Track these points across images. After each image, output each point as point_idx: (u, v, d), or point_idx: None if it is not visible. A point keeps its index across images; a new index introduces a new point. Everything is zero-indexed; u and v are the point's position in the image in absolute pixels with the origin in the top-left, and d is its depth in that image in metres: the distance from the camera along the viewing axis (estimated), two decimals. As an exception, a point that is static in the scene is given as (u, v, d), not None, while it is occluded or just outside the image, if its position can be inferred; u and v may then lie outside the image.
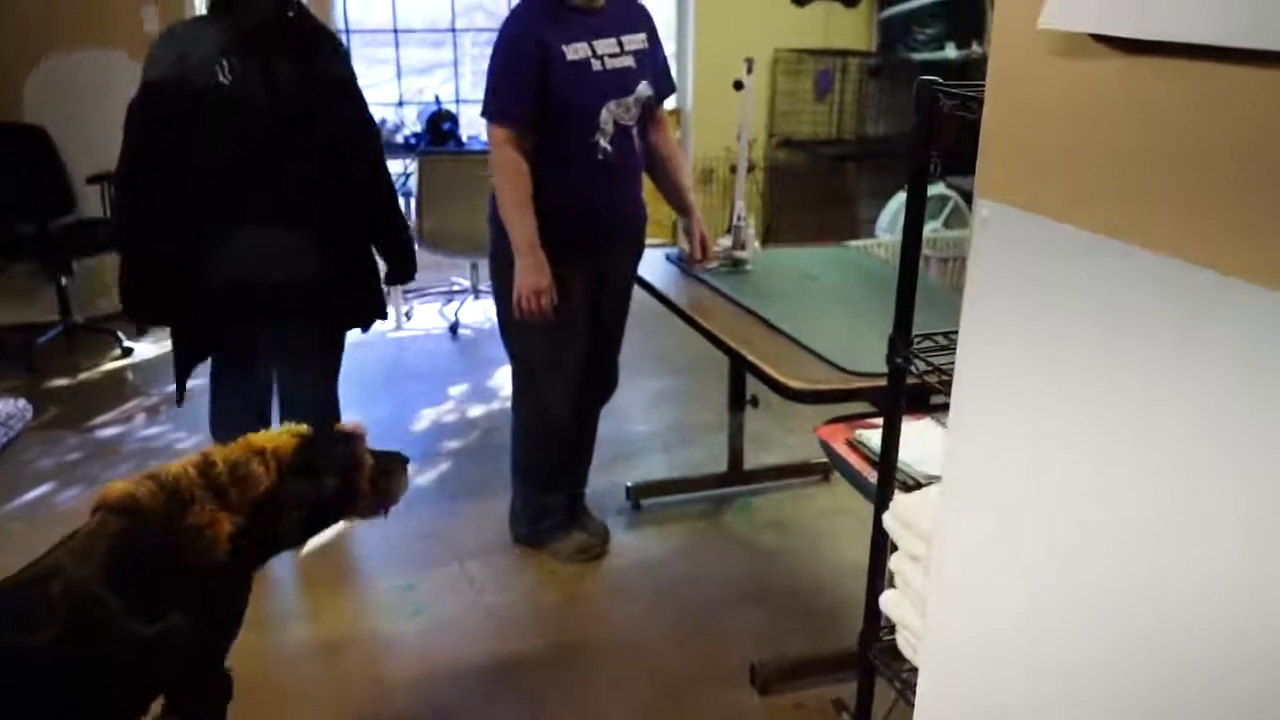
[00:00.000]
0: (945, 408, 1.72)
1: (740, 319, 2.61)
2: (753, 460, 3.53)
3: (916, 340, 1.49)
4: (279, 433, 1.94)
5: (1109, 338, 0.88)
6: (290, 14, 2.74)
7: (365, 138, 2.87)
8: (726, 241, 3.14)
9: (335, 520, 2.04)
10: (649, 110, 2.81)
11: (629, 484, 3.40)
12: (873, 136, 6.45)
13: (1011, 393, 1.03)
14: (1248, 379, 0.75)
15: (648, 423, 4.05)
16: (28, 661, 1.54)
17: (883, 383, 2.12)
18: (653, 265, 3.08)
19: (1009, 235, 0.98)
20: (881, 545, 1.56)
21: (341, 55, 2.88)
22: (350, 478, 1.94)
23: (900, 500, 1.47)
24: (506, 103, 2.63)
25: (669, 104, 6.18)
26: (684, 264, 3.11)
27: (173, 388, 3.18)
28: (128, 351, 4.74)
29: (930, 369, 1.38)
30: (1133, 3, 0.77)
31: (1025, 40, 0.88)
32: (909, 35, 5.90)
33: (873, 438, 1.99)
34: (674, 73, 6.18)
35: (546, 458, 3.00)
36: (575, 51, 2.60)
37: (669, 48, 6.20)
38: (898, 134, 6.38)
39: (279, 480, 1.82)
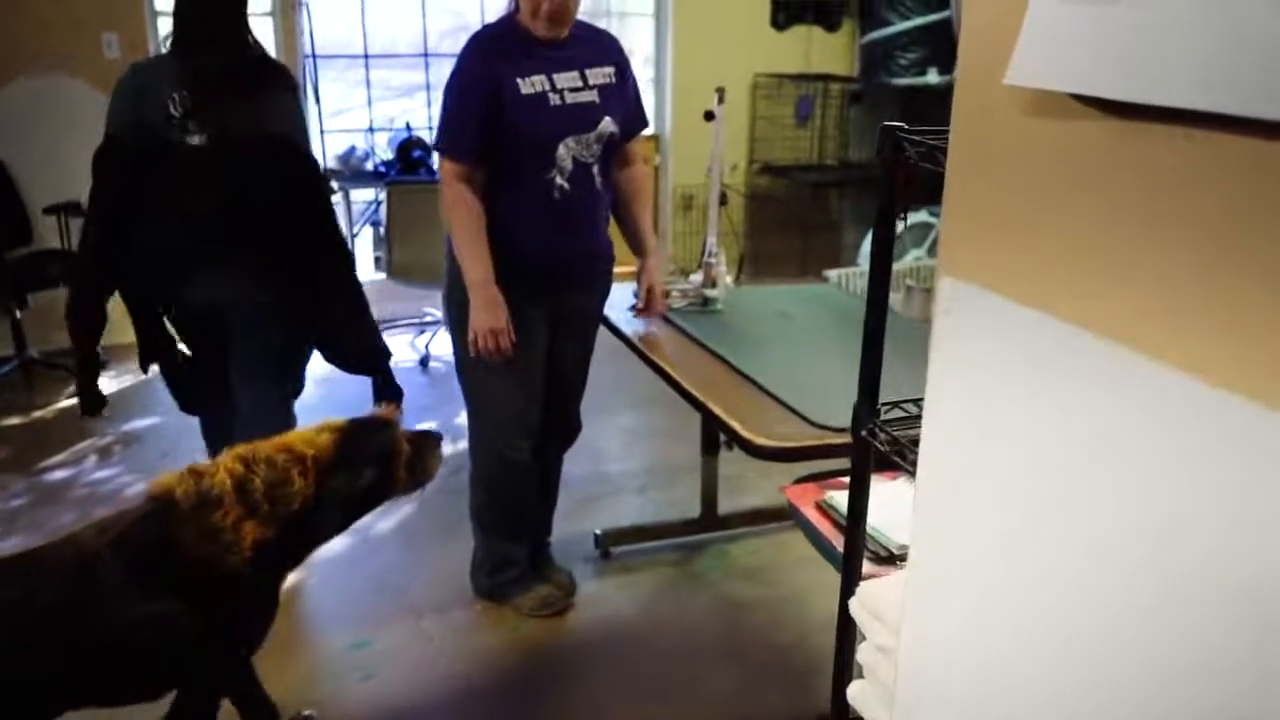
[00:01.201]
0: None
1: (708, 364, 2.47)
2: (728, 504, 3.38)
3: (885, 408, 1.36)
4: (319, 430, 1.94)
5: (1084, 436, 0.75)
6: (246, 50, 2.73)
7: (309, 190, 2.76)
8: (698, 278, 3.01)
9: (373, 508, 2.05)
10: (616, 146, 2.69)
11: (598, 531, 3.25)
12: (855, 162, 6.34)
13: (978, 481, 0.90)
14: (1222, 489, 0.63)
15: (620, 462, 3.91)
16: (21, 619, 1.65)
17: (856, 438, 2.01)
18: (618, 306, 2.94)
19: (974, 319, 0.84)
20: (848, 634, 1.41)
21: (293, 99, 2.80)
22: (388, 467, 1.96)
23: (868, 589, 1.32)
24: (456, 136, 2.51)
25: (648, 129, 6.10)
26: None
27: (129, 426, 3.36)
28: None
29: (897, 444, 1.24)
30: (1118, 58, 0.64)
31: (990, 96, 0.75)
32: (891, 60, 5.80)
33: (844, 501, 1.85)
34: (651, 98, 6.16)
35: (506, 507, 2.85)
36: (531, 84, 2.47)
37: (646, 73, 6.11)
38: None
39: (317, 487, 1.85)
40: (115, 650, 1.74)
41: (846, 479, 1.98)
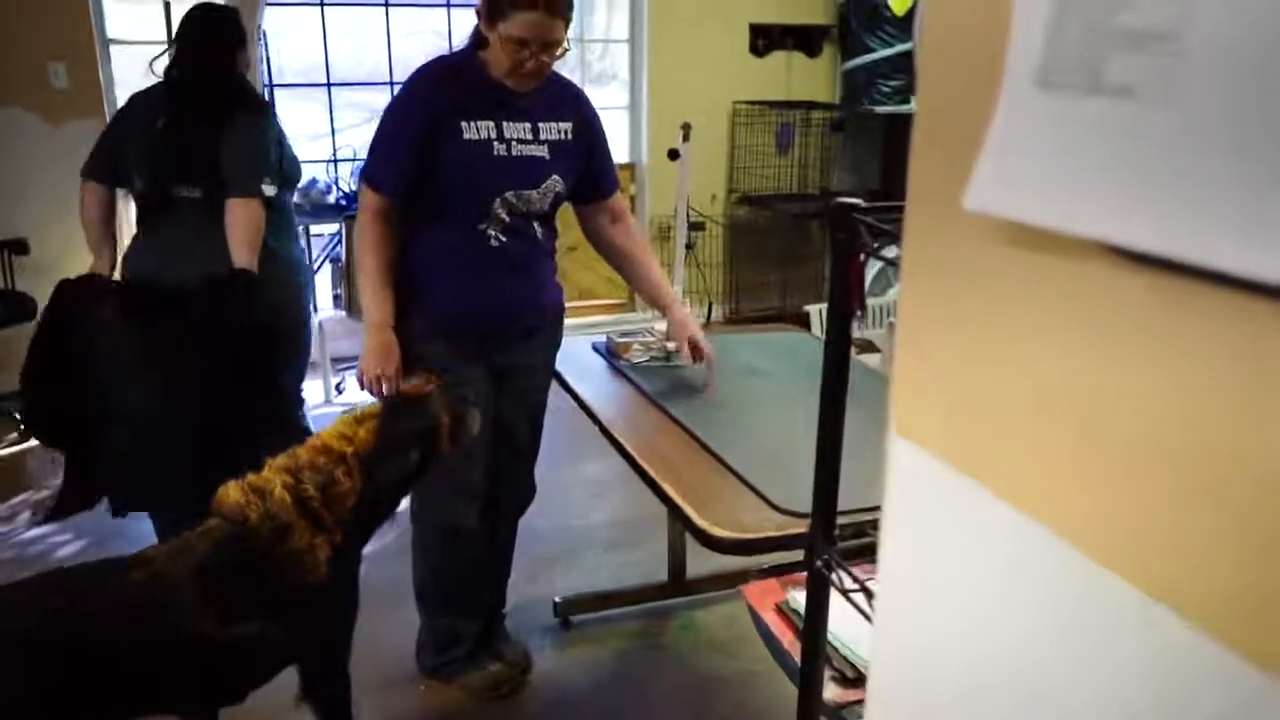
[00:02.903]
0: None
1: (666, 432, 2.26)
2: (698, 565, 3.16)
3: (844, 528, 1.15)
4: (357, 418, 1.93)
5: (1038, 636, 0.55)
6: (221, 83, 2.89)
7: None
8: (662, 327, 2.80)
9: (422, 477, 2.07)
10: (593, 204, 2.53)
11: (557, 599, 3.02)
12: (837, 192, 6.16)
13: (932, 644, 0.69)
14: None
15: (584, 516, 3.69)
16: (61, 629, 1.59)
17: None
18: (575, 358, 2.73)
19: (926, 488, 0.64)
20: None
21: (254, 127, 2.88)
22: (431, 442, 1.98)
23: None
24: (381, 167, 2.33)
25: (622, 156, 5.91)
26: (612, 356, 2.76)
27: None
28: (26, 434, 4.34)
29: (861, 584, 1.03)
30: (1133, 179, 0.44)
31: (948, 221, 0.55)
32: (873, 87, 5.62)
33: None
34: (627, 126, 5.97)
35: (452, 580, 2.62)
36: (475, 129, 2.27)
37: (621, 99, 5.92)
38: (863, 189, 6.10)
39: (365, 480, 1.86)
40: (194, 671, 1.75)
41: (813, 573, 1.77)
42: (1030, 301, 0.53)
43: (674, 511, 1.91)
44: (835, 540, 1.10)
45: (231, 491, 1.81)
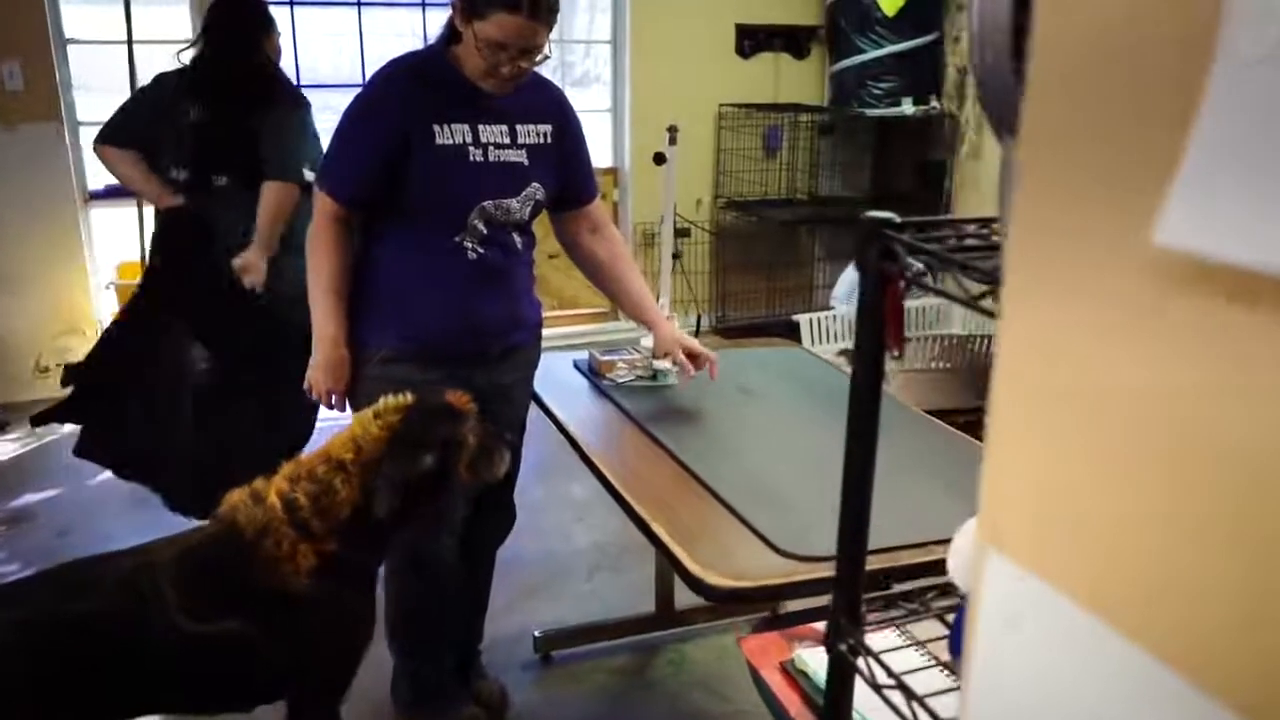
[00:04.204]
0: (915, 613, 1.20)
1: (655, 461, 2.08)
2: (686, 595, 2.96)
3: (873, 602, 0.97)
4: (379, 411, 1.84)
5: None
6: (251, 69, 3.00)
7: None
8: (648, 342, 2.61)
9: (431, 502, 1.92)
10: (571, 213, 2.34)
11: (537, 633, 2.83)
12: (826, 196, 6.01)
13: None
14: None
15: (568, 541, 3.50)
16: (59, 629, 1.61)
17: (833, 571, 1.61)
18: (555, 377, 2.55)
19: (1035, 618, 0.46)
20: None
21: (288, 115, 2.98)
22: (449, 458, 1.86)
23: None
24: (337, 173, 2.14)
25: (604, 160, 5.72)
26: (595, 375, 2.58)
27: (21, 502, 3.33)
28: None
29: (894, 681, 0.85)
30: None
31: (1094, 264, 0.37)
32: (863, 89, 5.47)
33: (817, 663, 1.46)
34: (609, 130, 5.79)
35: (426, 618, 2.43)
36: (450, 134, 2.08)
37: (603, 102, 5.74)
38: (852, 194, 5.94)
39: (364, 483, 1.78)
40: (173, 665, 1.72)
41: (821, 625, 1.59)
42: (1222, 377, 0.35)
43: (664, 553, 1.73)
44: (862, 622, 0.92)
45: (233, 495, 1.82)
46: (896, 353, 0.80)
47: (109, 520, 3.60)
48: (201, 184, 2.99)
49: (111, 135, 3.06)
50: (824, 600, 1.66)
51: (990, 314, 0.58)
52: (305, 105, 3.09)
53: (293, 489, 1.79)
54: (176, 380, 3.02)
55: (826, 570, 1.62)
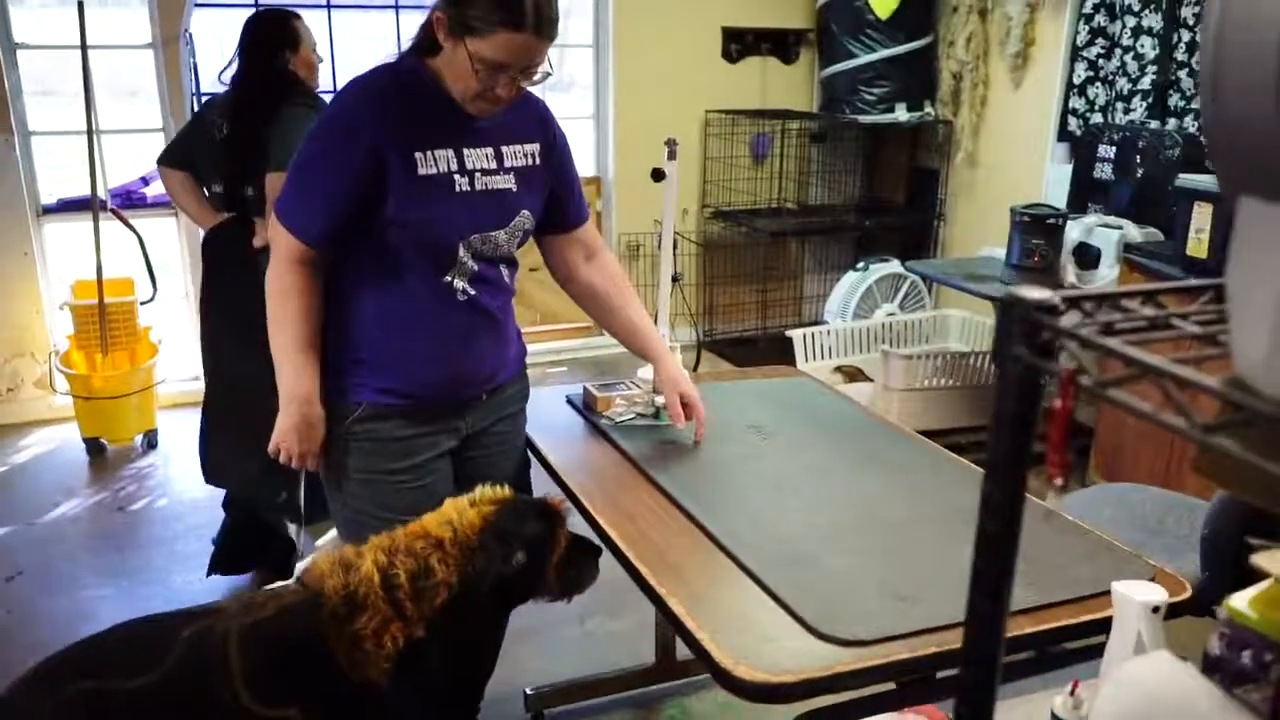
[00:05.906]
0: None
1: (662, 515, 1.86)
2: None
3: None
4: (473, 501, 1.74)
5: None
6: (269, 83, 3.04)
7: None
8: (646, 374, 2.40)
9: (520, 602, 1.81)
10: (562, 237, 2.12)
11: (528, 690, 2.61)
12: (816, 205, 5.81)
13: None
14: None
15: (558, 581, 3.27)
16: (123, 700, 1.52)
17: (883, 659, 1.40)
18: (546, 414, 2.33)
19: None
20: None
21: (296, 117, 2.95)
22: (540, 558, 1.74)
23: None
24: (299, 208, 1.85)
25: (588, 168, 5.49)
26: (590, 411, 2.36)
27: None
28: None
29: None
30: None
31: None
32: (855, 95, 5.27)
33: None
34: (592, 138, 5.56)
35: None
36: (433, 162, 1.82)
37: (586, 108, 5.51)
38: (844, 203, 5.75)
39: (460, 572, 1.66)
40: None
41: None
42: None
43: (685, 639, 1.51)
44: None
45: (321, 561, 1.68)
46: (1060, 481, 0.59)
47: (62, 561, 3.35)
48: (233, 197, 3.08)
49: (166, 155, 3.24)
50: (869, 690, 1.46)
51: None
52: (320, 107, 3.03)
53: (391, 563, 1.64)
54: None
55: (876, 658, 1.42)
